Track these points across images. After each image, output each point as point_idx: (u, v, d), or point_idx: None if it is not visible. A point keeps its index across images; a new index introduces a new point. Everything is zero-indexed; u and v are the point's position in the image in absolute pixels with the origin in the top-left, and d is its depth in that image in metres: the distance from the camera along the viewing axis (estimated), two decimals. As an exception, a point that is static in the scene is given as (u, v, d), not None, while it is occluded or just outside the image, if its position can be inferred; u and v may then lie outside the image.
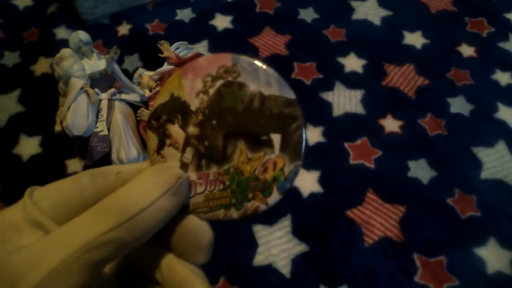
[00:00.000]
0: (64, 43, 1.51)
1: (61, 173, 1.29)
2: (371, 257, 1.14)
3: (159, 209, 0.30)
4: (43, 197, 0.34)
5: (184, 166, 0.35)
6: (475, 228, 1.19)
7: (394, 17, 1.67)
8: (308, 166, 1.29)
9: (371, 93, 1.45)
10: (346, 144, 1.34)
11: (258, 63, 0.36)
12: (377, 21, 1.66)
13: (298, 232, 1.18)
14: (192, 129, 0.35)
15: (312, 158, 1.31)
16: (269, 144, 0.35)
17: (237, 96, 0.35)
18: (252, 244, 1.16)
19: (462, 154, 1.32)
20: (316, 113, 1.41)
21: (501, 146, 1.33)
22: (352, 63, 1.53)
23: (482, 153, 1.32)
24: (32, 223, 0.31)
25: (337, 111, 1.41)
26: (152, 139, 0.37)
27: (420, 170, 1.28)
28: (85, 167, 1.29)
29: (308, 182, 1.27)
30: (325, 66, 1.52)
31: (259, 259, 1.14)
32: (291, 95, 0.37)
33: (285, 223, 1.19)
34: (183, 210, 0.36)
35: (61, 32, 1.61)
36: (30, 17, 1.68)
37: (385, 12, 1.68)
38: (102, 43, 1.60)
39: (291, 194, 1.25)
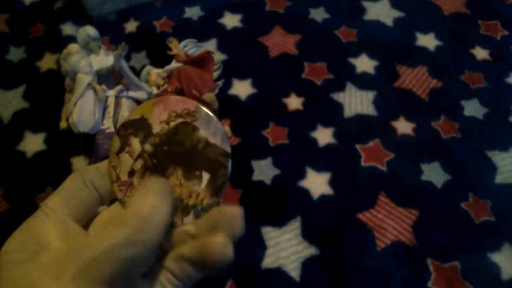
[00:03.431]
0: (71, 39, 1.49)
1: (66, 171, 1.26)
2: (383, 261, 1.11)
3: (168, 214, 0.40)
4: (57, 203, 0.40)
5: (132, 172, 0.44)
6: (490, 233, 1.16)
7: (406, 18, 1.65)
8: (319, 168, 1.26)
9: (383, 95, 1.42)
10: (357, 146, 1.31)
11: (213, 117, 0.45)
12: (389, 22, 1.63)
13: (308, 234, 1.15)
14: (148, 147, 0.44)
15: (323, 159, 1.28)
16: (199, 178, 0.44)
17: (189, 135, 0.43)
18: (261, 247, 1.13)
19: (476, 157, 1.29)
20: (327, 114, 1.38)
21: (516, 150, 1.30)
22: (364, 64, 1.50)
23: (496, 157, 1.29)
24: (60, 225, 0.38)
25: (349, 112, 1.38)
26: (116, 143, 0.46)
27: (434, 173, 1.25)
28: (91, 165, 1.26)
29: (318, 184, 1.24)
30: (336, 67, 1.49)
31: (268, 261, 1.11)
32: (228, 149, 0.45)
33: (295, 225, 1.16)
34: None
35: (67, 28, 1.58)
36: (36, 12, 1.66)
37: (397, 13, 1.66)
38: (109, 40, 1.58)
39: (301, 195, 1.22)
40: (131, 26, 1.62)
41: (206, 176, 0.44)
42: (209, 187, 0.45)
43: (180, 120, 0.44)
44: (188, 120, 0.44)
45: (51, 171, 1.26)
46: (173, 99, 0.45)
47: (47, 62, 1.52)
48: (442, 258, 1.12)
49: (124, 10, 1.64)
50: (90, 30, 1.29)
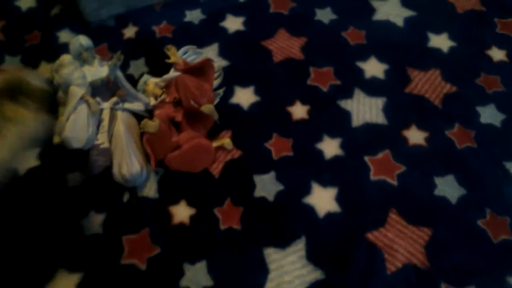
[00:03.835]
0: (67, 47, 1.43)
1: (61, 187, 1.21)
2: (393, 286, 1.04)
3: None
4: None
5: None
6: (509, 253, 1.08)
7: (418, 17, 1.56)
8: (325, 182, 1.19)
9: (394, 101, 1.34)
10: (366, 158, 1.23)
11: None
12: (399, 22, 1.54)
13: (313, 256, 1.08)
14: None
15: (330, 173, 1.21)
16: None
17: None
18: (262, 270, 1.07)
19: (493, 169, 1.21)
20: (334, 123, 1.31)
21: (537, 161, 1.21)
22: (373, 68, 1.42)
23: (515, 168, 1.21)
24: None
25: (357, 121, 1.30)
26: None
27: (448, 187, 1.17)
28: (86, 181, 1.20)
29: (324, 200, 1.17)
30: (343, 71, 1.41)
31: (270, 286, 1.04)
32: None
33: (299, 246, 1.10)
34: None
35: (64, 35, 1.53)
36: (33, 19, 1.60)
37: (408, 13, 1.57)
38: (107, 47, 1.51)
39: (306, 213, 1.15)
40: (129, 31, 1.55)
41: None
42: None
43: None
44: None
45: (45, 188, 1.21)
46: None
47: (43, 71, 1.46)
48: (457, 283, 1.04)
49: (122, 14, 1.58)
50: (82, 40, 1.23)
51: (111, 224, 1.15)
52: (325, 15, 1.57)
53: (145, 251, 1.11)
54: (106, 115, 1.21)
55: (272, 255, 1.09)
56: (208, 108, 1.21)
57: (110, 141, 1.19)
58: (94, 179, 1.19)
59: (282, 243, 1.11)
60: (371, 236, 1.10)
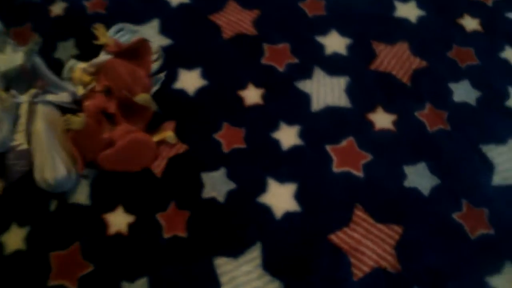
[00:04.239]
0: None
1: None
2: (361, 295, 0.92)
3: None
4: None
5: None
6: (488, 250, 0.98)
7: (383, -17, 1.40)
8: (282, 178, 1.05)
9: (358, 80, 1.20)
10: (328, 147, 1.09)
11: None
12: (363, -11, 1.38)
13: (270, 265, 0.95)
14: None
15: (287, 166, 1.07)
16: None
17: None
18: (213, 284, 0.93)
19: (469, 154, 1.09)
20: (291, 107, 1.16)
21: (515, 142, 1.10)
22: (334, 43, 1.27)
23: (493, 152, 1.10)
24: None
25: (317, 104, 1.16)
26: None
27: (419, 177, 1.05)
28: (4, 189, 1.03)
29: (282, 198, 1.03)
30: (301, 48, 1.26)
31: (222, 303, 0.91)
32: None
33: (254, 254, 0.96)
34: None
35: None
36: None
37: (373, -22, 1.41)
38: (31, 27, 1.31)
39: (262, 215, 1.01)
40: (57, 8, 1.35)
41: None
42: None
43: None
44: None
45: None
46: None
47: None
48: (431, 286, 0.93)
49: (49, -12, 1.37)
50: (-10, 22, 1.04)
51: (36, 238, 0.99)
52: (280, -17, 1.40)
53: (76, 268, 0.96)
54: (24, 111, 1.03)
55: (223, 265, 0.95)
56: (143, 98, 1.05)
57: (29, 141, 1.01)
58: (13, 186, 1.02)
59: (235, 251, 0.97)
60: (335, 237, 0.97)
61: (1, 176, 1.02)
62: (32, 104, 1.04)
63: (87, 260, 0.96)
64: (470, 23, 1.32)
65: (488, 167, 1.07)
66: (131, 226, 1.00)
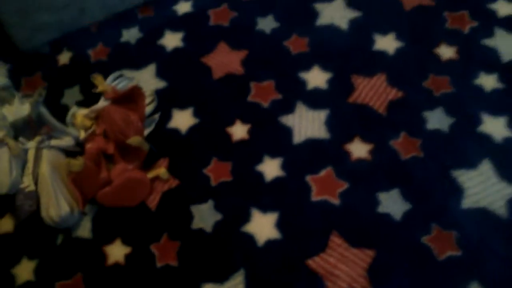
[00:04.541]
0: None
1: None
2: (334, 317, 0.99)
3: None
4: None
5: None
6: (456, 271, 1.03)
7: (363, 18, 1.49)
8: (265, 208, 1.14)
9: (337, 113, 1.28)
10: (308, 177, 1.18)
11: None
12: (344, 24, 1.47)
13: (252, 290, 1.03)
14: None
15: (270, 197, 1.16)
16: None
17: None
18: (199, 309, 1.02)
19: (440, 180, 1.16)
20: (274, 141, 1.25)
21: (485, 166, 1.16)
22: (316, 78, 1.36)
23: (463, 176, 1.15)
24: None
25: (298, 137, 1.25)
26: None
27: (392, 203, 1.12)
28: (15, 227, 1.15)
29: (264, 227, 1.12)
30: (285, 84, 1.35)
31: (207, 327, 1.00)
32: None
33: (238, 280, 1.05)
34: None
35: (-6, 67, 1.46)
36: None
37: (353, 14, 1.50)
38: (41, 76, 1.45)
39: (245, 243, 1.10)
40: (64, 57, 1.49)
41: None
42: None
43: None
44: None
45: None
46: None
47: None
48: (402, 306, 1.00)
49: (57, 39, 1.51)
50: (-1, 79, 1.17)
51: (43, 270, 1.11)
52: (267, 24, 1.50)
53: (79, 297, 1.06)
54: (31, 156, 1.16)
55: (209, 291, 1.04)
56: (135, 140, 1.16)
57: (36, 183, 1.13)
58: (23, 224, 1.14)
59: (221, 277, 1.06)
60: (312, 262, 1.06)
61: (12, 215, 1.15)
62: (38, 150, 1.17)
63: (89, 289, 1.07)
64: (446, 52, 1.38)
65: (457, 191, 1.13)
66: (127, 256, 1.11)
